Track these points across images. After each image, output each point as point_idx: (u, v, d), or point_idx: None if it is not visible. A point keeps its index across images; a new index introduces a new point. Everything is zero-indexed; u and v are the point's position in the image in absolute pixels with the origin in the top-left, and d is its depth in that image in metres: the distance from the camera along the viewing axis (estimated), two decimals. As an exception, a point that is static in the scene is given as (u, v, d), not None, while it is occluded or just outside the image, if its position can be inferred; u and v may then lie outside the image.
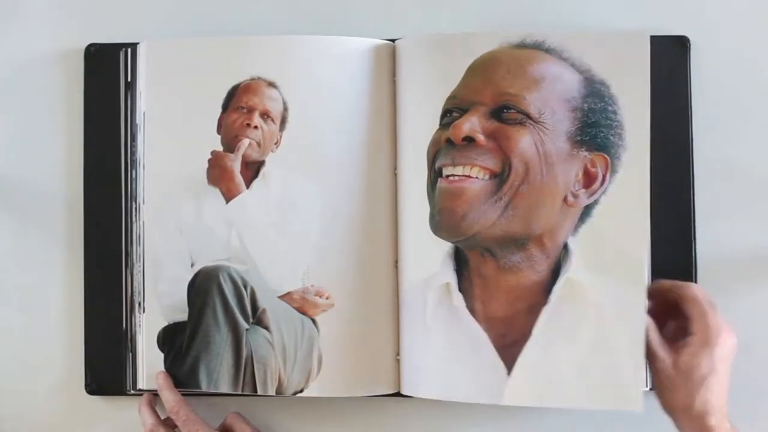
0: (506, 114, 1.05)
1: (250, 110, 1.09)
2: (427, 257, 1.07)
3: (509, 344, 1.05)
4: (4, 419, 1.15)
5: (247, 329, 1.07)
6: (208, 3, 1.17)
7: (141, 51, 1.12)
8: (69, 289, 1.14)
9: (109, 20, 1.17)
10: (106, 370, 1.13)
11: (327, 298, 1.08)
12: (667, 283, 1.05)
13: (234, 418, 1.09)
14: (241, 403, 1.12)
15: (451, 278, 1.06)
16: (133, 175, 1.12)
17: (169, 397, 1.07)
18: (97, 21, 1.17)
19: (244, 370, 1.07)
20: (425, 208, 1.07)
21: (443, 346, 1.06)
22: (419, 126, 1.09)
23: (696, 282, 1.12)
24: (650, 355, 1.01)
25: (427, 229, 1.06)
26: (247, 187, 1.09)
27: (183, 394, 1.08)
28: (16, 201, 1.16)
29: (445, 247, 1.06)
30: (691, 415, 0.99)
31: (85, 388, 1.13)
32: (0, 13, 1.17)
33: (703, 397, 0.99)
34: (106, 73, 1.14)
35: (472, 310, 1.06)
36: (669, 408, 1.01)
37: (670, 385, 1.00)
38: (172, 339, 1.09)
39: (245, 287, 1.08)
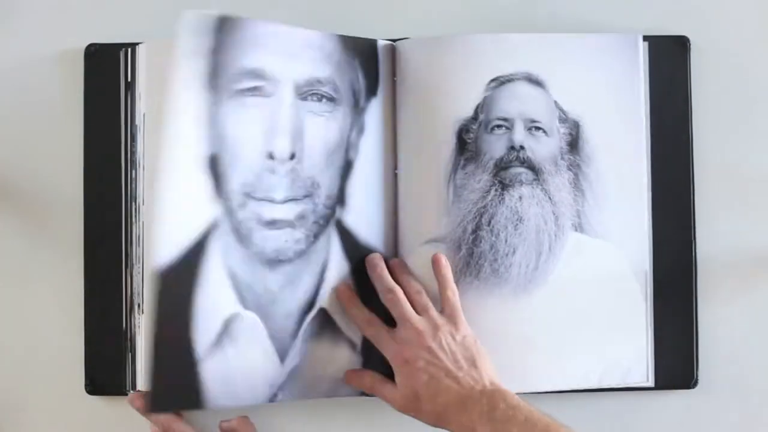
0: None
1: None
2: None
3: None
4: (4, 419, 1.15)
5: None
6: (208, 3, 1.16)
7: (141, 51, 1.11)
8: (69, 290, 1.14)
9: (109, 20, 1.17)
10: (106, 370, 1.13)
11: None
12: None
13: (241, 422, 1.09)
14: (242, 409, 1.11)
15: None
16: (133, 176, 1.12)
17: (156, 416, 1.06)
18: (97, 21, 1.17)
19: None
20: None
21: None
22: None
23: (696, 282, 1.13)
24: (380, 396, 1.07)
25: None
26: None
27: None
28: (17, 201, 1.15)
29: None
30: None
31: (85, 388, 1.13)
32: (0, 13, 1.17)
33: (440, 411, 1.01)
34: (106, 74, 1.14)
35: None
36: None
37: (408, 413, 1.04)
38: None
39: None
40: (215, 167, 1.03)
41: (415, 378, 1.02)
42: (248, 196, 1.04)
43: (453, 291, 1.06)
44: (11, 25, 1.17)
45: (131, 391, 1.11)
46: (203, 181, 1.02)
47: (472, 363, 1.02)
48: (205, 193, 1.02)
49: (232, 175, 1.03)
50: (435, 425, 1.02)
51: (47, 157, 1.16)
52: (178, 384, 1.03)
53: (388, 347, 1.05)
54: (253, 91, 1.04)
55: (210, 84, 1.02)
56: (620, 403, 1.13)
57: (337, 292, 1.08)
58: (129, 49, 1.13)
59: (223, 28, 1.03)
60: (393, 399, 1.05)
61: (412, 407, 1.03)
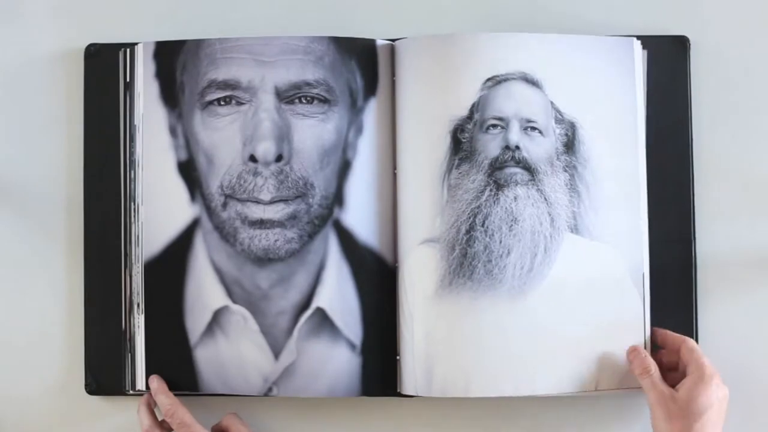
0: None
1: None
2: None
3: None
4: (4, 419, 1.15)
5: None
6: (208, 3, 1.17)
7: (139, 52, 1.12)
8: (69, 289, 1.14)
9: (109, 20, 1.17)
10: (106, 370, 1.13)
11: None
12: (669, 333, 1.09)
13: (230, 419, 1.09)
14: (238, 404, 1.12)
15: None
16: (132, 176, 1.12)
17: (164, 400, 1.08)
18: (97, 21, 1.17)
19: None
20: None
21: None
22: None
23: (696, 282, 1.12)
24: (652, 388, 1.04)
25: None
26: None
27: (178, 395, 1.08)
28: (16, 201, 1.16)
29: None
30: None
31: (85, 388, 1.13)
32: (0, 13, 1.17)
33: (699, 429, 1.01)
34: (106, 74, 1.14)
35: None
36: None
37: (669, 416, 1.02)
38: None
39: None
40: (190, 172, 1.11)
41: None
42: (230, 197, 1.09)
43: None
44: (12, 25, 1.17)
45: (131, 391, 1.12)
46: (179, 184, 1.11)
47: None
48: (182, 195, 1.10)
49: (210, 179, 1.10)
50: None
51: (47, 157, 1.16)
52: (175, 366, 1.10)
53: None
54: (226, 100, 1.10)
55: (177, 99, 1.11)
56: (620, 403, 1.13)
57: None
58: (128, 50, 1.13)
59: (185, 50, 1.11)
60: (660, 399, 1.04)
61: (670, 424, 1.03)
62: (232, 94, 1.09)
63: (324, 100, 1.09)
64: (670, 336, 1.09)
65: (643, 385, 1.06)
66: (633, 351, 1.08)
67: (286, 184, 1.08)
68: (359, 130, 1.10)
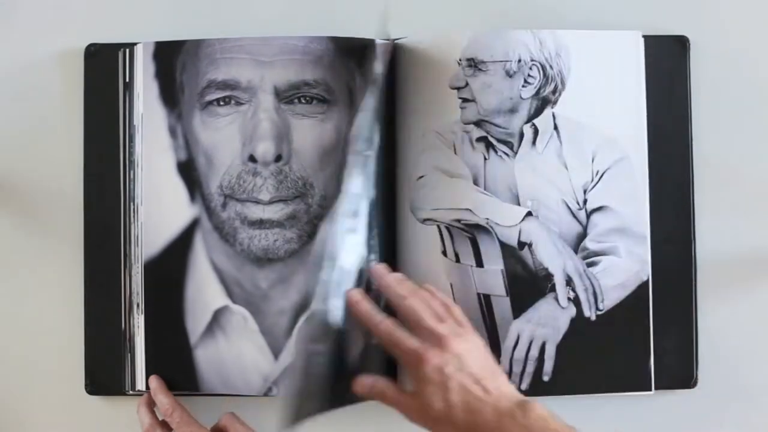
0: None
1: None
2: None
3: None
4: (4, 419, 1.15)
5: None
6: (208, 3, 1.17)
7: (138, 52, 1.12)
8: (69, 289, 1.14)
9: (109, 20, 1.17)
10: (106, 370, 1.13)
11: None
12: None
13: (229, 418, 1.09)
14: (236, 404, 1.11)
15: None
16: (132, 176, 1.12)
17: (163, 400, 1.08)
18: (97, 21, 1.17)
19: None
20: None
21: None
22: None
23: (696, 282, 1.12)
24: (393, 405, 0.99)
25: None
26: None
27: (178, 395, 1.09)
28: (16, 201, 1.16)
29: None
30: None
31: (85, 388, 1.14)
32: (0, 13, 1.17)
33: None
34: (106, 74, 1.14)
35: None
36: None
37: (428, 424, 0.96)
38: None
39: None
40: (189, 172, 1.11)
41: (443, 386, 0.95)
42: (230, 197, 1.10)
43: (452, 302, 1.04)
44: (11, 25, 1.17)
45: (131, 391, 1.12)
46: (178, 183, 1.11)
47: (493, 371, 0.97)
48: (182, 195, 1.10)
49: (209, 179, 1.10)
50: None
51: (47, 157, 1.16)
52: (175, 366, 1.11)
53: (407, 350, 0.97)
54: (225, 100, 1.10)
55: (176, 99, 1.11)
56: (620, 403, 1.12)
57: (347, 295, 1.03)
58: (127, 50, 1.13)
59: (184, 50, 1.11)
60: (409, 408, 0.98)
61: (432, 417, 0.95)
62: (231, 95, 1.09)
63: (323, 100, 1.09)
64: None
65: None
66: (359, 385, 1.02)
67: (286, 184, 1.09)
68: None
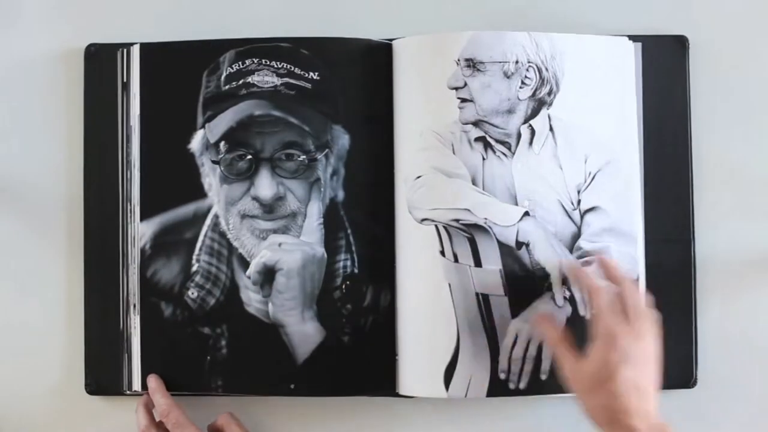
0: None
1: None
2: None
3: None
4: (4, 419, 1.15)
5: None
6: (208, 3, 1.17)
7: (134, 52, 1.12)
8: (69, 289, 1.15)
9: (108, 20, 1.17)
10: (106, 370, 1.13)
11: None
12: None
13: (226, 418, 1.09)
14: (235, 403, 1.12)
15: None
16: (129, 177, 1.12)
17: (160, 400, 1.08)
18: (96, 21, 1.17)
19: None
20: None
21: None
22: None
23: (696, 282, 1.12)
24: (559, 363, 1.01)
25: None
26: None
27: (175, 395, 1.09)
28: (16, 201, 1.16)
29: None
30: (611, 415, 0.96)
31: (85, 388, 1.14)
32: (0, 13, 1.17)
33: (616, 398, 0.96)
34: (106, 74, 1.14)
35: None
36: (591, 414, 0.98)
37: (585, 389, 0.98)
38: None
39: None
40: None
41: (615, 367, 0.96)
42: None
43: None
44: (12, 25, 1.17)
45: (128, 391, 1.12)
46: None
47: (652, 390, 0.98)
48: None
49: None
50: (602, 413, 0.96)
51: (47, 157, 1.16)
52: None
53: (609, 323, 0.99)
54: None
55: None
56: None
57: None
58: (125, 50, 1.13)
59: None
60: (571, 362, 1.00)
61: (586, 385, 0.97)
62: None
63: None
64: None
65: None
66: (541, 318, 1.06)
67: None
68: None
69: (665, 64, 1.13)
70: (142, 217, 1.11)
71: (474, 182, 1.08)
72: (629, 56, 1.11)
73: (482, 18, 1.15)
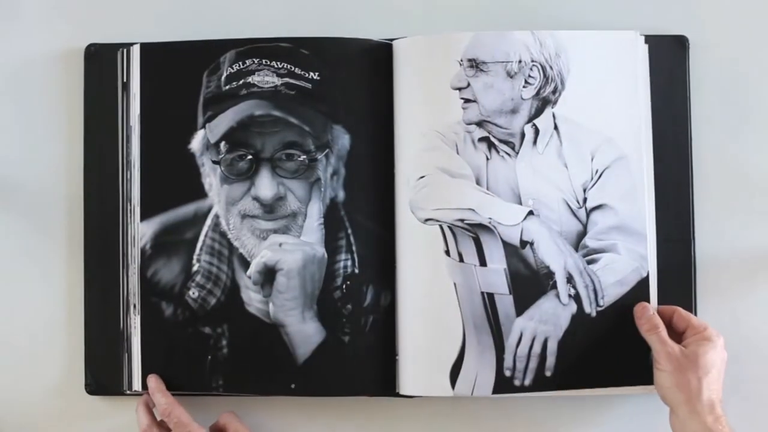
0: None
1: None
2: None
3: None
4: (4, 419, 1.15)
5: None
6: (208, 3, 1.16)
7: (134, 53, 1.12)
8: (69, 289, 1.14)
9: (108, 20, 1.17)
10: (106, 370, 1.13)
11: None
12: (658, 307, 1.09)
13: (227, 417, 1.09)
14: (236, 403, 1.11)
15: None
16: (129, 177, 1.12)
17: (161, 400, 1.08)
18: (96, 21, 1.17)
19: None
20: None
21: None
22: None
23: (696, 281, 1.12)
24: (660, 343, 1.04)
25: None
26: None
27: (176, 395, 1.09)
28: (16, 201, 1.15)
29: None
30: (700, 401, 1.00)
31: (85, 388, 1.13)
32: (0, 13, 1.17)
33: (710, 384, 1.01)
34: (106, 74, 1.14)
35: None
36: (673, 395, 1.02)
37: (679, 369, 1.02)
38: None
39: None
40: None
41: (710, 360, 1.02)
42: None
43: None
44: (12, 25, 1.17)
45: (128, 391, 1.12)
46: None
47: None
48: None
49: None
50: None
51: (47, 157, 1.16)
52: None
53: (701, 323, 1.05)
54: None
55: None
56: (620, 403, 1.12)
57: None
58: (125, 50, 1.13)
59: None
60: (665, 345, 1.04)
61: (677, 363, 1.03)
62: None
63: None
64: (660, 309, 1.08)
65: (650, 342, 1.05)
66: (641, 308, 1.07)
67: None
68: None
69: (665, 64, 1.13)
70: (143, 217, 1.11)
71: (478, 182, 1.08)
72: (638, 50, 1.11)
73: (482, 18, 1.15)
